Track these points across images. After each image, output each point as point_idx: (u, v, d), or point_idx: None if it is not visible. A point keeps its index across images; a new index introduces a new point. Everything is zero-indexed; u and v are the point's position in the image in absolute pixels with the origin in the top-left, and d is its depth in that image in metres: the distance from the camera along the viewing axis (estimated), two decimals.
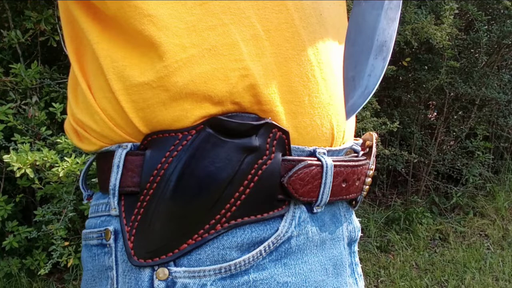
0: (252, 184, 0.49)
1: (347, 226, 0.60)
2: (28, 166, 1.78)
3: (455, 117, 3.79)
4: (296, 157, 0.52)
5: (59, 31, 2.20)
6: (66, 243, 2.07)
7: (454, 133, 3.71)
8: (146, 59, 0.48)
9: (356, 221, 0.63)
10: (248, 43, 0.49)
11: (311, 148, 0.53)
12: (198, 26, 0.48)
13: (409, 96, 3.53)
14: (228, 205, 0.48)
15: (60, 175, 1.83)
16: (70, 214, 2.02)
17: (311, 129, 0.53)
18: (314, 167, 0.52)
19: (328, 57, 0.55)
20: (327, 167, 0.53)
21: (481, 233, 3.35)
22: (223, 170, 0.48)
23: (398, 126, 2.72)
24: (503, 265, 2.83)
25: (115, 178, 0.50)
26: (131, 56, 0.48)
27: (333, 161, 0.54)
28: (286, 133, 0.50)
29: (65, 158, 1.85)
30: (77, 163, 1.85)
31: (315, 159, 0.53)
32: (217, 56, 0.48)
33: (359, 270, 0.63)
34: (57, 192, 2.06)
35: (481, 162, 3.66)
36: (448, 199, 3.65)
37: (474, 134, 3.66)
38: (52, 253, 1.97)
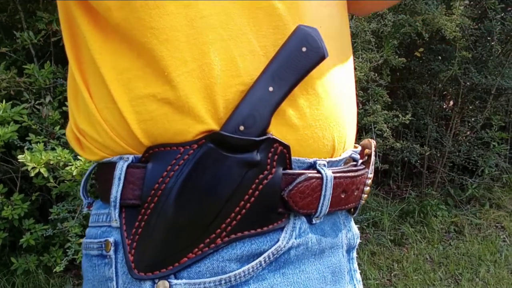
0: (253, 199, 0.49)
1: (346, 233, 0.60)
2: (42, 165, 1.82)
3: (470, 107, 3.73)
4: (297, 171, 0.52)
5: None
6: (81, 240, 2.10)
7: (469, 124, 3.66)
8: (149, 71, 0.48)
9: (354, 228, 0.63)
10: (245, 58, 0.49)
11: (311, 160, 0.53)
12: (199, 39, 0.48)
13: (423, 87, 3.49)
14: (229, 220, 0.49)
15: (74, 173, 1.86)
16: (85, 212, 2.06)
17: (312, 141, 0.53)
18: (314, 179, 0.52)
19: (329, 69, 0.55)
20: (327, 179, 0.53)
21: (497, 225, 3.31)
22: (224, 185, 0.48)
23: (410, 118, 2.69)
24: None
25: (116, 190, 0.51)
26: (135, 68, 0.49)
27: (333, 172, 0.54)
28: (287, 147, 0.50)
29: (78, 157, 1.88)
30: (90, 161, 1.88)
31: (315, 171, 0.53)
32: (216, 71, 0.48)
33: (358, 276, 0.63)
34: (72, 190, 2.10)
35: (497, 152, 3.60)
36: (463, 191, 3.61)
37: (490, 125, 3.60)
38: (67, 250, 2.01)
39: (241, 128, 0.48)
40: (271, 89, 0.49)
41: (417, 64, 3.40)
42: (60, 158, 1.86)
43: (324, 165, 0.54)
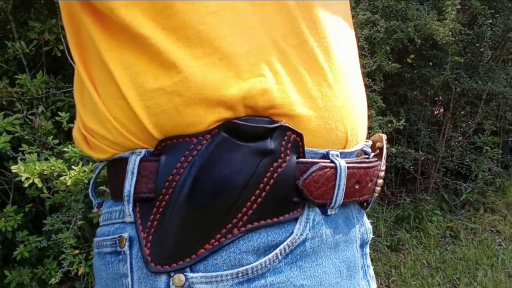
0: (268, 187, 0.49)
1: (359, 228, 0.60)
2: (36, 175, 1.79)
3: (462, 112, 3.76)
4: (310, 159, 0.51)
5: (63, 40, 2.21)
6: (76, 252, 2.07)
7: (461, 129, 3.69)
8: (157, 64, 0.48)
9: (367, 223, 0.63)
10: (256, 53, 0.49)
11: (324, 151, 0.53)
12: (210, 35, 0.48)
13: (414, 93, 3.51)
14: (245, 209, 0.48)
15: (68, 183, 1.84)
16: (79, 222, 2.03)
17: (325, 132, 0.53)
18: (328, 169, 0.52)
19: (340, 60, 0.55)
20: (340, 169, 0.53)
21: (492, 229, 3.32)
22: (238, 174, 0.48)
23: (404, 124, 2.70)
24: None
25: (129, 185, 0.50)
26: (142, 63, 0.48)
27: (346, 162, 0.54)
28: (300, 135, 0.50)
29: (73, 166, 1.85)
30: (85, 171, 1.86)
31: (329, 161, 0.53)
32: (229, 65, 0.48)
33: (371, 272, 0.63)
34: (66, 201, 2.07)
35: (490, 157, 3.63)
36: (457, 195, 3.62)
37: (482, 129, 3.63)
38: (62, 262, 1.98)
39: None
40: None
41: (408, 70, 3.43)
42: (54, 168, 1.83)
43: (337, 155, 0.54)
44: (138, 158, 0.50)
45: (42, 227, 2.12)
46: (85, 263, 2.07)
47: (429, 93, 3.51)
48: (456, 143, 3.72)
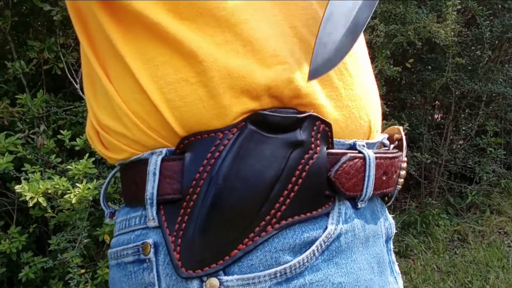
0: (300, 180, 0.47)
1: (384, 222, 0.58)
2: (40, 194, 1.77)
3: (463, 115, 3.76)
4: (340, 150, 0.50)
5: (62, 58, 2.20)
6: (82, 271, 2.04)
7: (463, 132, 3.68)
8: (177, 55, 0.46)
9: (390, 217, 0.61)
10: (278, 40, 0.47)
11: (351, 141, 0.52)
12: (230, 21, 0.46)
13: (414, 97, 3.51)
14: (278, 205, 0.46)
15: (73, 201, 1.82)
16: (85, 241, 2.01)
17: (350, 122, 0.52)
18: (357, 159, 0.50)
19: (357, 53, 0.54)
20: (369, 159, 0.51)
21: (500, 231, 3.30)
22: (269, 168, 0.45)
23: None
24: None
25: (152, 187, 0.47)
26: (162, 54, 0.46)
27: (374, 153, 0.52)
28: (329, 125, 0.48)
29: (77, 184, 1.83)
30: (89, 188, 1.84)
31: (357, 151, 0.51)
32: (252, 52, 0.46)
33: (397, 268, 0.61)
34: (71, 220, 2.05)
35: (493, 158, 3.62)
36: (463, 198, 3.60)
37: (484, 131, 3.62)
38: (69, 281, 1.94)
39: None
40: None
41: (408, 74, 3.43)
42: (58, 186, 1.81)
43: (364, 146, 0.52)
44: (160, 158, 0.47)
45: (46, 247, 2.09)
46: (91, 282, 2.04)
47: (429, 97, 3.50)
48: (459, 146, 3.71)
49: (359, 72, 0.54)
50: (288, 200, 0.46)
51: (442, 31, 2.25)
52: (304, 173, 0.47)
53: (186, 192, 0.46)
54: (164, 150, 0.48)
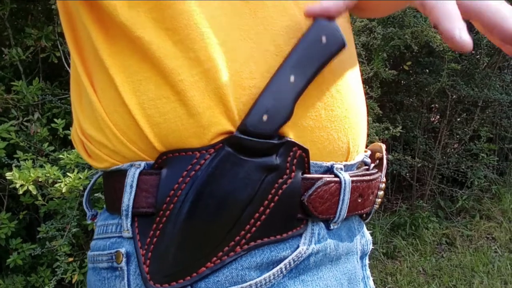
0: (272, 204, 0.48)
1: (360, 239, 0.59)
2: (31, 182, 1.78)
3: (458, 119, 3.77)
4: (315, 175, 0.51)
5: (59, 47, 2.20)
6: (70, 259, 2.06)
7: (457, 136, 3.69)
8: (158, 73, 0.47)
9: (367, 234, 0.63)
10: (257, 60, 0.48)
11: (328, 164, 0.52)
12: (212, 40, 0.46)
13: (411, 100, 3.52)
14: (248, 226, 0.47)
15: (63, 190, 1.83)
16: (74, 230, 2.02)
17: (328, 143, 0.52)
18: (332, 184, 0.51)
19: (342, 70, 0.54)
20: (345, 183, 0.52)
21: (488, 236, 3.32)
22: (243, 190, 0.46)
23: (401, 130, 2.70)
24: (511, 268, 2.79)
25: (128, 199, 0.48)
26: (144, 70, 0.47)
27: (350, 176, 0.53)
28: (306, 151, 0.49)
29: (68, 173, 1.84)
30: (80, 178, 1.85)
31: (333, 175, 0.52)
32: (231, 72, 0.47)
33: (371, 283, 0.62)
34: (61, 208, 2.06)
35: (486, 164, 3.63)
36: (453, 202, 3.62)
37: (478, 136, 3.64)
38: (56, 269, 1.96)
39: (265, 118, 0.46)
40: (292, 79, 0.47)
41: (405, 77, 3.44)
42: (49, 175, 1.82)
43: (341, 169, 0.53)
44: (138, 171, 0.48)
45: (36, 234, 2.11)
46: (79, 270, 2.05)
47: (425, 100, 3.51)
48: (452, 150, 3.73)
49: (345, 90, 0.54)
50: (259, 223, 0.47)
51: (438, 36, 2.26)
52: (276, 197, 0.48)
53: (159, 207, 0.47)
54: (142, 164, 0.49)
